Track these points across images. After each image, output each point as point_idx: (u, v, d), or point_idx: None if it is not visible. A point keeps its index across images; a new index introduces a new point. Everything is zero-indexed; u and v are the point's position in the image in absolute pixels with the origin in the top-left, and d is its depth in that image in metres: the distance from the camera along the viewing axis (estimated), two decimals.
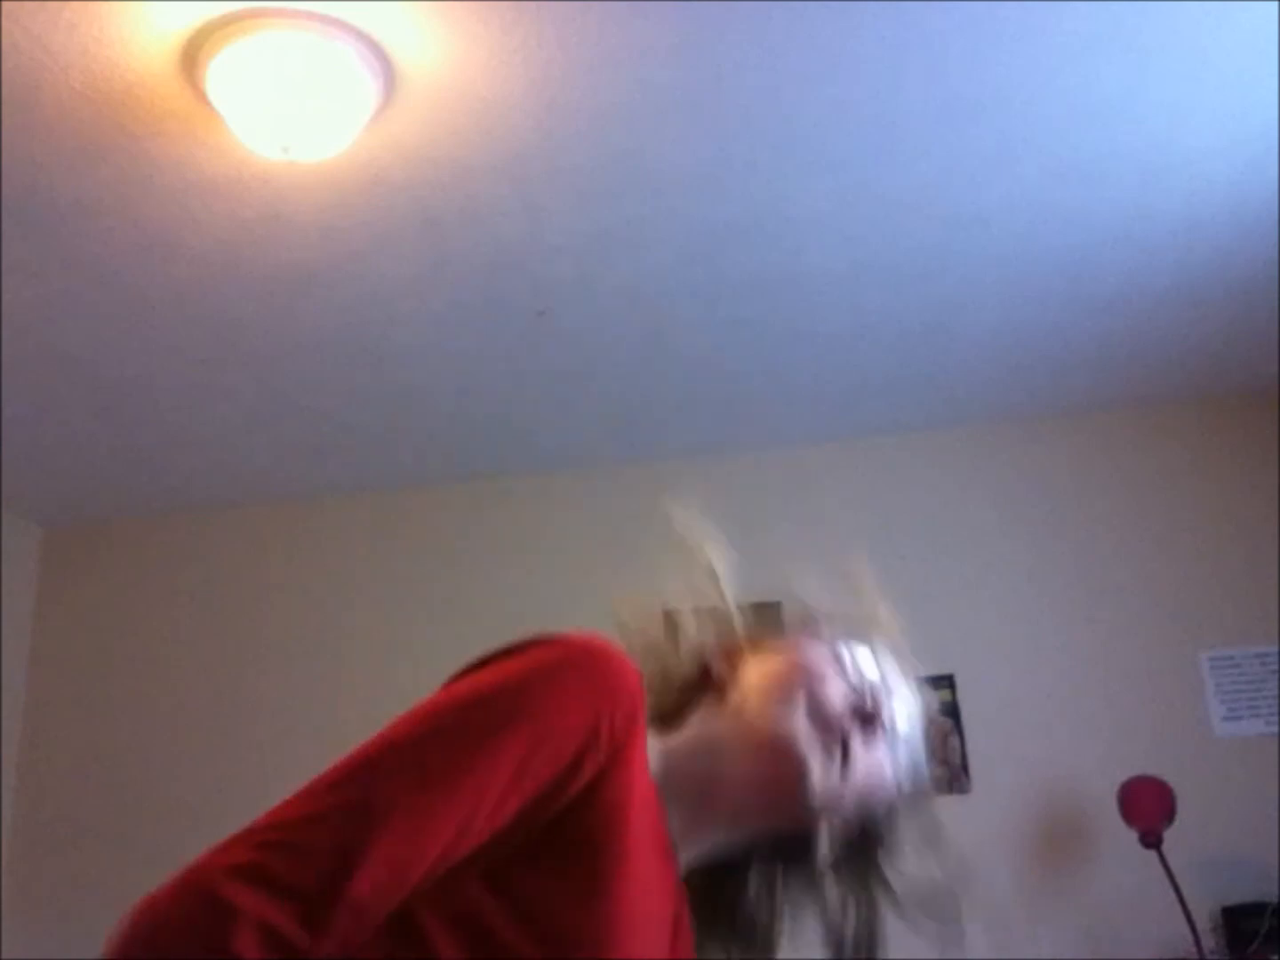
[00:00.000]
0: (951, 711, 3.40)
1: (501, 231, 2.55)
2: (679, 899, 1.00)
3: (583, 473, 3.84)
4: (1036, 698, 3.41)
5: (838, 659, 1.05)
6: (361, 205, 2.43)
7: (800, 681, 1.02)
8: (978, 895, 1.12)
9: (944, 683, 3.42)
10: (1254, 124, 2.33)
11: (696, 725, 1.05)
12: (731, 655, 1.09)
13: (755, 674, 1.05)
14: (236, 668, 3.82)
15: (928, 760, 1.09)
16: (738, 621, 1.11)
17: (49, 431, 3.38)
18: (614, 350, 3.14)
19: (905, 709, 1.07)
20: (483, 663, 0.90)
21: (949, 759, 3.36)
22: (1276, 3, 1.98)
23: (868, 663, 1.06)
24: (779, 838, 1.05)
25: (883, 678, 1.06)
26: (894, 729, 1.04)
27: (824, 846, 1.04)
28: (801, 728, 0.99)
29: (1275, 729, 3.30)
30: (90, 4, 1.86)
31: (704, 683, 1.08)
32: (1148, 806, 3.02)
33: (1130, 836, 3.02)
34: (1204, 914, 3.04)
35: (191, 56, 1.98)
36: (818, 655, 1.05)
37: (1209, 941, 2.99)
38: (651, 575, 3.82)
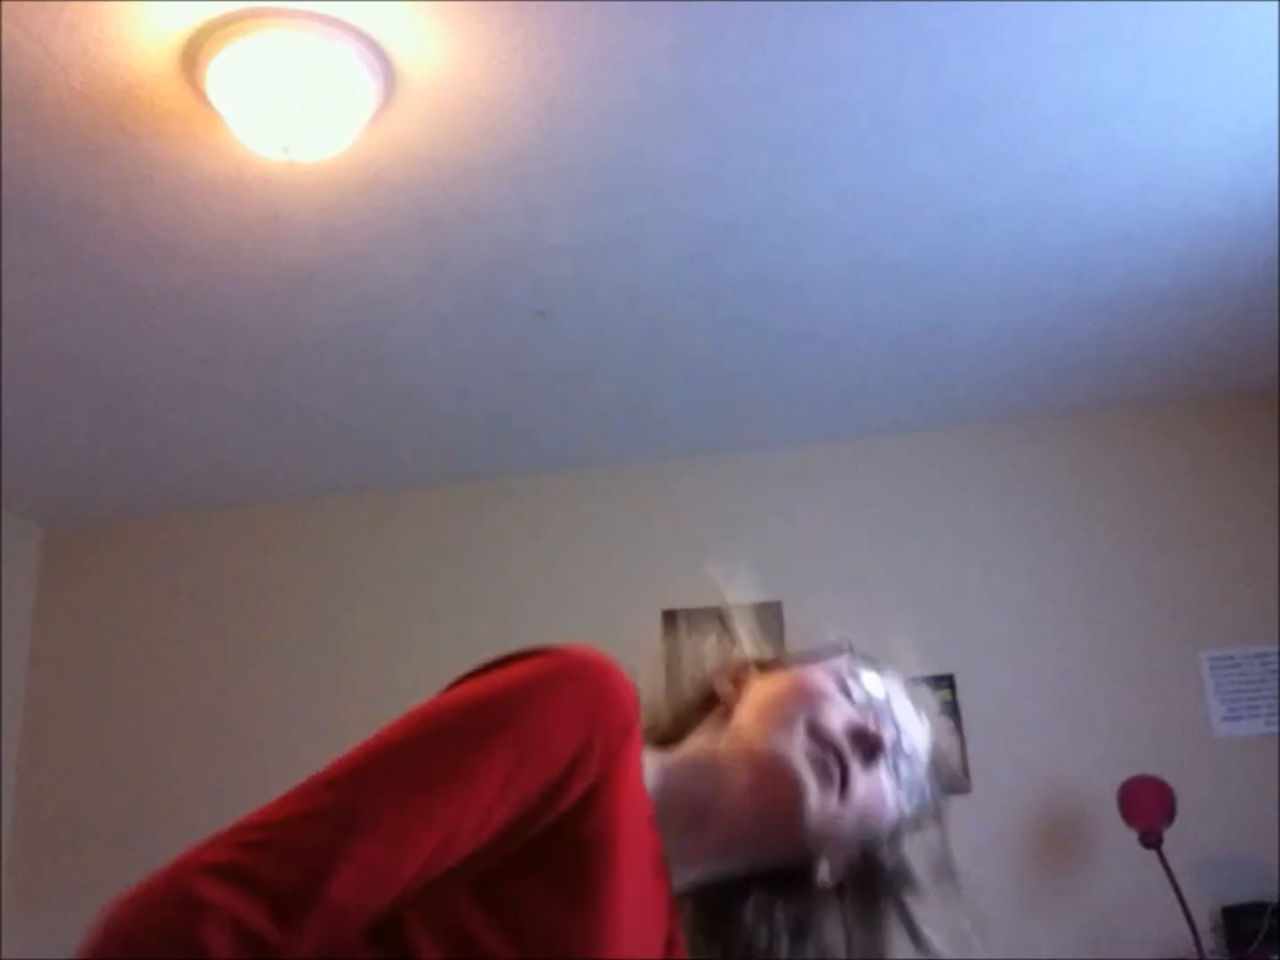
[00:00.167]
0: (951, 711, 3.40)
1: (501, 231, 2.55)
2: (672, 920, 0.98)
3: (583, 473, 3.84)
4: (1036, 698, 3.41)
5: (842, 682, 1.04)
6: (361, 205, 2.43)
7: (802, 703, 1.01)
8: (977, 896, 1.10)
9: (944, 683, 3.42)
10: (1254, 124, 2.33)
11: (696, 744, 1.04)
12: (737, 676, 1.08)
13: (758, 695, 1.04)
14: (236, 667, 3.82)
15: (937, 790, 1.08)
16: (749, 647, 1.10)
17: (49, 431, 3.38)
18: (614, 350, 3.14)
19: (911, 728, 1.05)
20: (479, 671, 0.90)
21: (949, 759, 3.36)
22: (1276, 3, 1.98)
23: (875, 687, 1.05)
24: (777, 863, 1.03)
25: (889, 703, 1.04)
26: (899, 756, 1.03)
27: (823, 875, 1.02)
28: (799, 749, 0.98)
29: (1275, 729, 3.30)
30: (90, 4, 1.86)
31: (708, 703, 1.07)
32: (1148, 806, 3.02)
33: (1130, 836, 3.02)
34: (1204, 914, 3.04)
35: (191, 56, 1.98)
36: (822, 678, 1.04)
37: (1209, 941, 2.99)
38: (651, 575, 3.84)
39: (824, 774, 0.98)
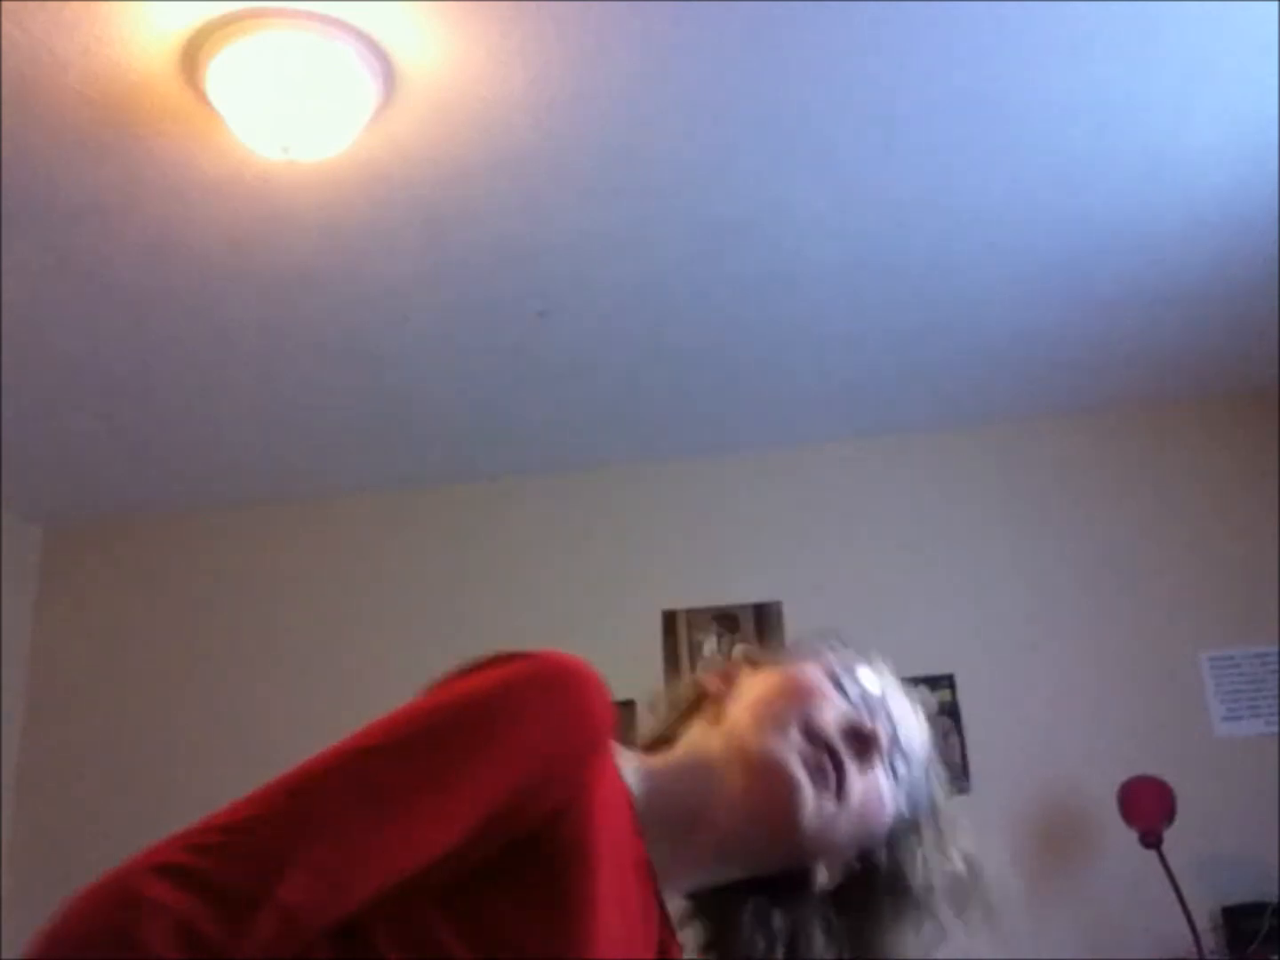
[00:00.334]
0: (951, 711, 3.40)
1: (502, 231, 2.55)
2: (664, 931, 0.96)
3: (582, 473, 3.84)
4: (1036, 698, 3.41)
5: (836, 678, 1.01)
6: (361, 205, 2.43)
7: (795, 701, 0.99)
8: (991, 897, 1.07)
9: (944, 683, 3.41)
10: (1254, 124, 2.33)
11: (687, 747, 1.02)
12: (727, 674, 1.05)
13: (750, 694, 1.02)
14: (237, 668, 3.82)
15: (936, 788, 1.05)
16: (743, 650, 1.10)
17: (49, 431, 3.38)
18: (614, 350, 3.14)
19: (907, 725, 1.03)
20: (451, 676, 0.88)
21: (949, 759, 3.35)
22: (1276, 3, 1.98)
23: (869, 683, 1.02)
24: (774, 868, 1.01)
25: (884, 699, 1.02)
26: (895, 753, 1.00)
27: (821, 880, 1.00)
28: (793, 749, 0.96)
29: (1275, 729, 3.30)
30: (90, 4, 1.86)
31: (699, 703, 1.05)
32: (1148, 806, 3.02)
33: (1130, 836, 3.02)
34: (1204, 914, 3.04)
35: (191, 56, 1.98)
36: (815, 674, 1.02)
37: (1209, 941, 2.99)
38: (651, 575, 3.84)
39: (819, 774, 0.95)
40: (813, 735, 0.97)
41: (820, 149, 2.34)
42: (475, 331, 2.99)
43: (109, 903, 0.71)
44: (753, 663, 1.07)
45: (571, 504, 3.84)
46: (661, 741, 1.04)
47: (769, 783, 0.95)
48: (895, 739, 1.01)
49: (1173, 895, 2.93)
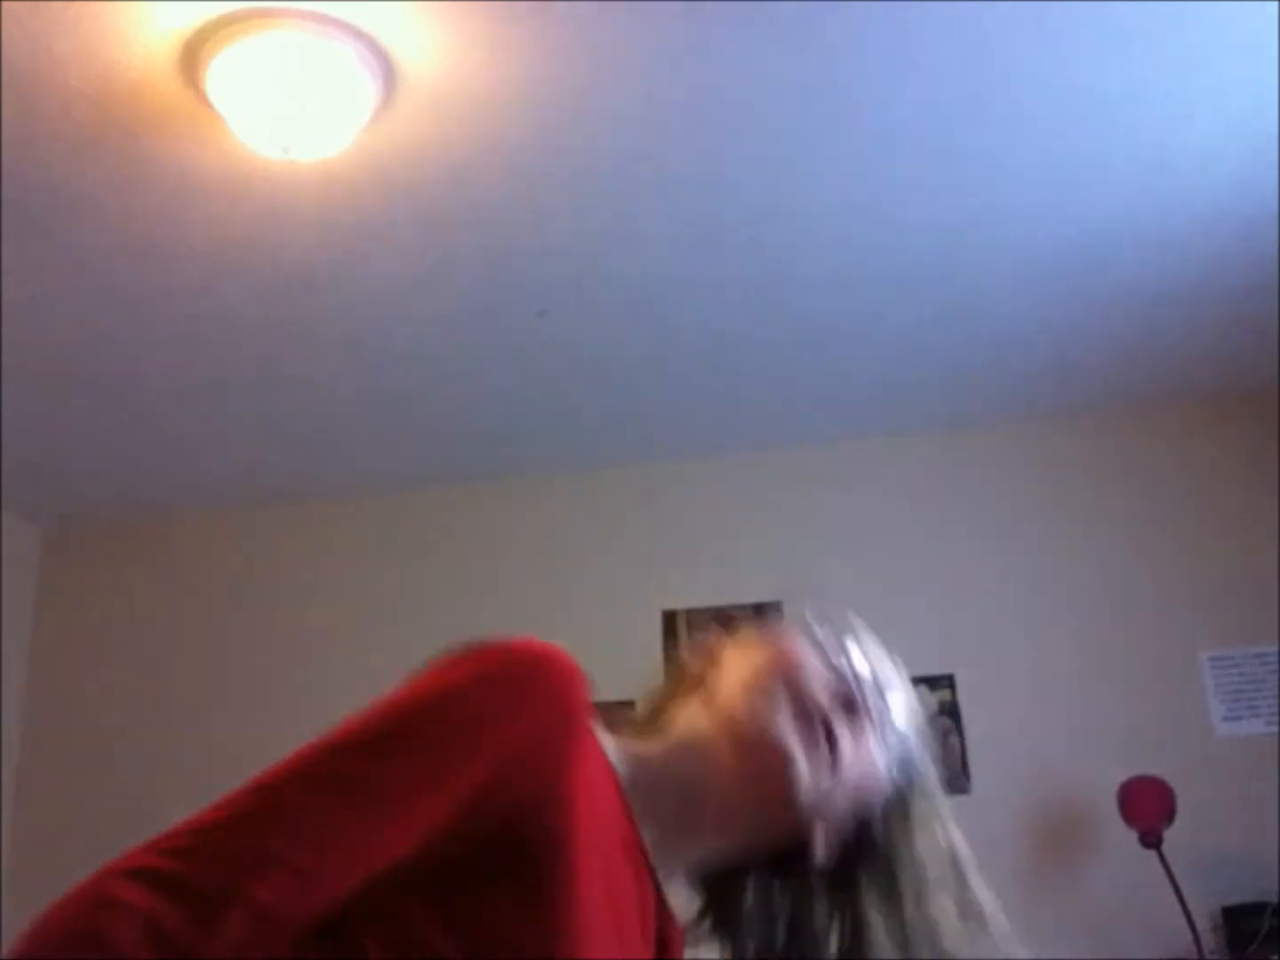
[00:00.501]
0: (951, 711, 3.40)
1: (502, 231, 2.55)
2: (663, 916, 0.96)
3: (583, 473, 3.84)
4: (1036, 698, 3.41)
5: (821, 650, 1.01)
6: (361, 205, 2.43)
7: (781, 671, 0.99)
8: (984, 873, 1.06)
9: (944, 683, 3.42)
10: (1254, 124, 2.33)
11: (675, 727, 1.01)
12: (712, 652, 1.05)
13: (736, 670, 1.01)
14: (236, 668, 3.82)
15: (927, 757, 1.04)
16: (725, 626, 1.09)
17: (49, 431, 3.38)
18: (614, 350, 3.14)
19: (895, 697, 1.02)
20: (427, 668, 0.88)
21: (949, 759, 3.35)
22: (1276, 3, 1.98)
23: (854, 653, 1.02)
24: (772, 844, 1.00)
25: (870, 669, 1.02)
26: (884, 717, 1.00)
27: (820, 851, 0.99)
28: (784, 717, 0.96)
29: (1275, 729, 3.30)
30: (90, 4, 1.86)
31: (685, 684, 1.05)
32: (1148, 806, 3.02)
33: (1130, 836, 3.02)
34: (1204, 914, 3.04)
35: (192, 56, 1.98)
36: (799, 644, 1.02)
37: (1209, 941, 2.99)
38: (651, 575, 3.85)
39: (811, 742, 0.95)
40: (802, 706, 0.97)
41: (820, 149, 2.34)
42: (475, 331, 2.99)
43: (83, 906, 0.73)
44: (737, 640, 1.06)
45: (571, 504, 3.84)
46: (651, 725, 1.03)
47: (762, 756, 0.95)
48: (884, 708, 1.01)
49: (1173, 895, 2.93)
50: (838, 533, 3.64)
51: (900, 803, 1.02)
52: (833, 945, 1.01)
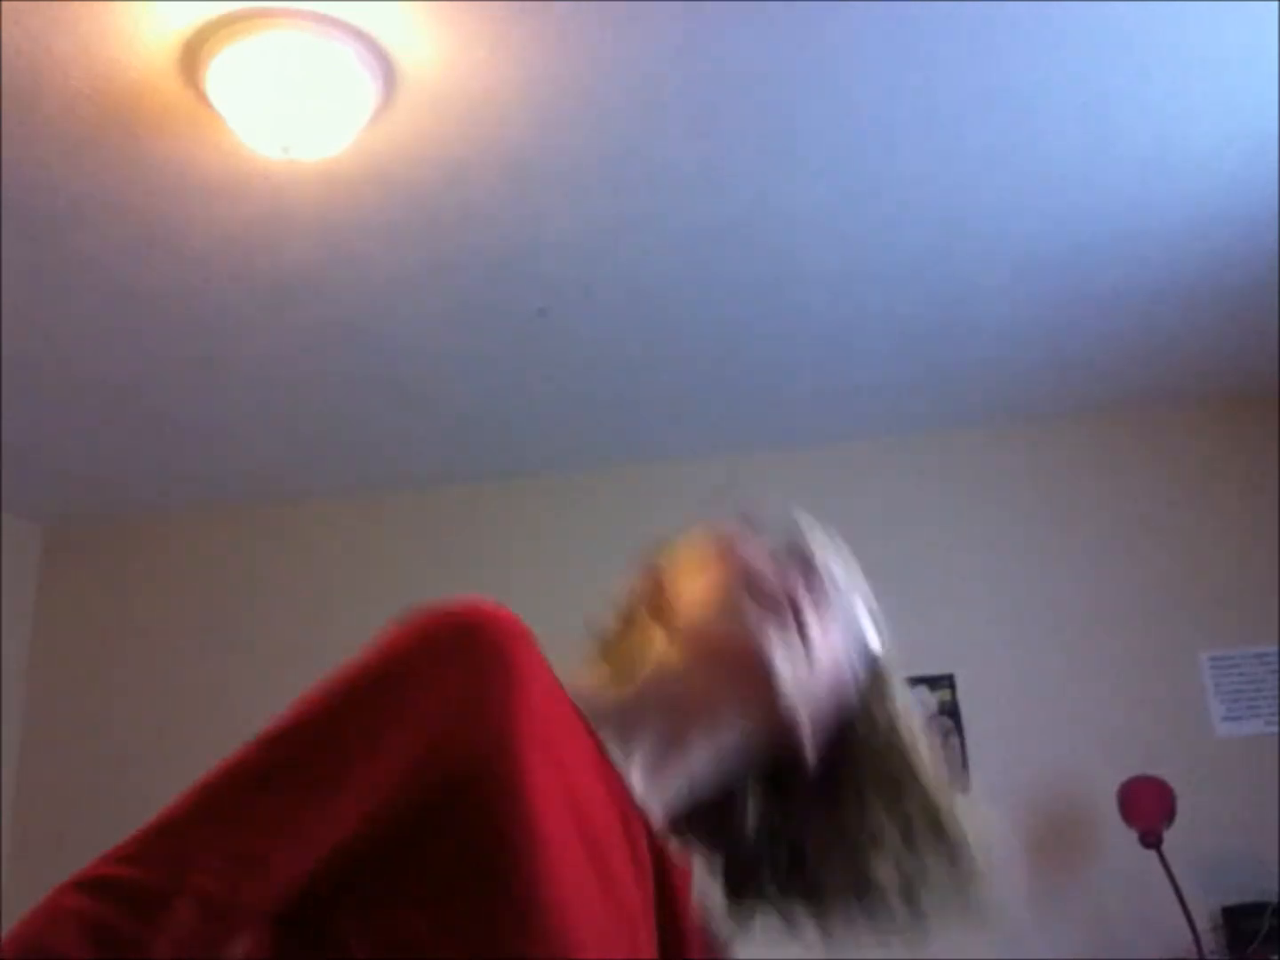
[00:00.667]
0: (951, 711, 3.41)
1: (502, 230, 2.55)
2: (659, 852, 0.95)
3: (583, 473, 3.84)
4: (1036, 698, 3.41)
5: (766, 545, 1.03)
6: (362, 204, 2.43)
7: (735, 576, 1.00)
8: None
9: (944, 683, 3.42)
10: (1254, 124, 2.33)
11: (644, 663, 1.00)
12: (657, 581, 1.06)
13: (689, 590, 1.02)
14: (236, 667, 3.82)
15: (888, 639, 1.05)
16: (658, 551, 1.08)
17: (49, 431, 3.38)
18: (614, 350, 3.14)
19: (841, 567, 1.04)
20: (369, 641, 0.88)
21: (949, 759, 3.36)
22: (1276, 2, 1.98)
23: (791, 531, 1.04)
24: (763, 755, 1.00)
25: (815, 547, 1.03)
26: (840, 596, 1.01)
27: (809, 748, 0.99)
28: (752, 617, 0.96)
29: (1275, 729, 3.30)
30: (90, 4, 1.86)
31: (636, 621, 1.05)
32: (1148, 806, 3.02)
33: (1130, 836, 3.02)
34: (1204, 914, 3.04)
35: (192, 56, 1.98)
36: (739, 544, 1.03)
37: (1209, 941, 2.99)
38: None
39: (780, 627, 0.96)
40: (766, 601, 0.97)
41: (819, 149, 2.34)
42: (475, 331, 2.99)
43: (35, 921, 0.75)
44: (680, 564, 1.06)
45: (571, 504, 3.84)
46: (617, 668, 1.03)
47: (739, 660, 0.96)
48: (837, 586, 1.02)
49: (1173, 895, 2.93)
50: (837, 533, 3.64)
51: (875, 678, 1.03)
52: (840, 855, 1.00)
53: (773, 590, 0.98)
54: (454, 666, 0.83)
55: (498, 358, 3.13)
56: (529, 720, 0.84)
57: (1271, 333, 3.20)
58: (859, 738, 1.02)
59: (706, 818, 1.02)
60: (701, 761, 0.99)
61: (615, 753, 0.95)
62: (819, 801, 1.01)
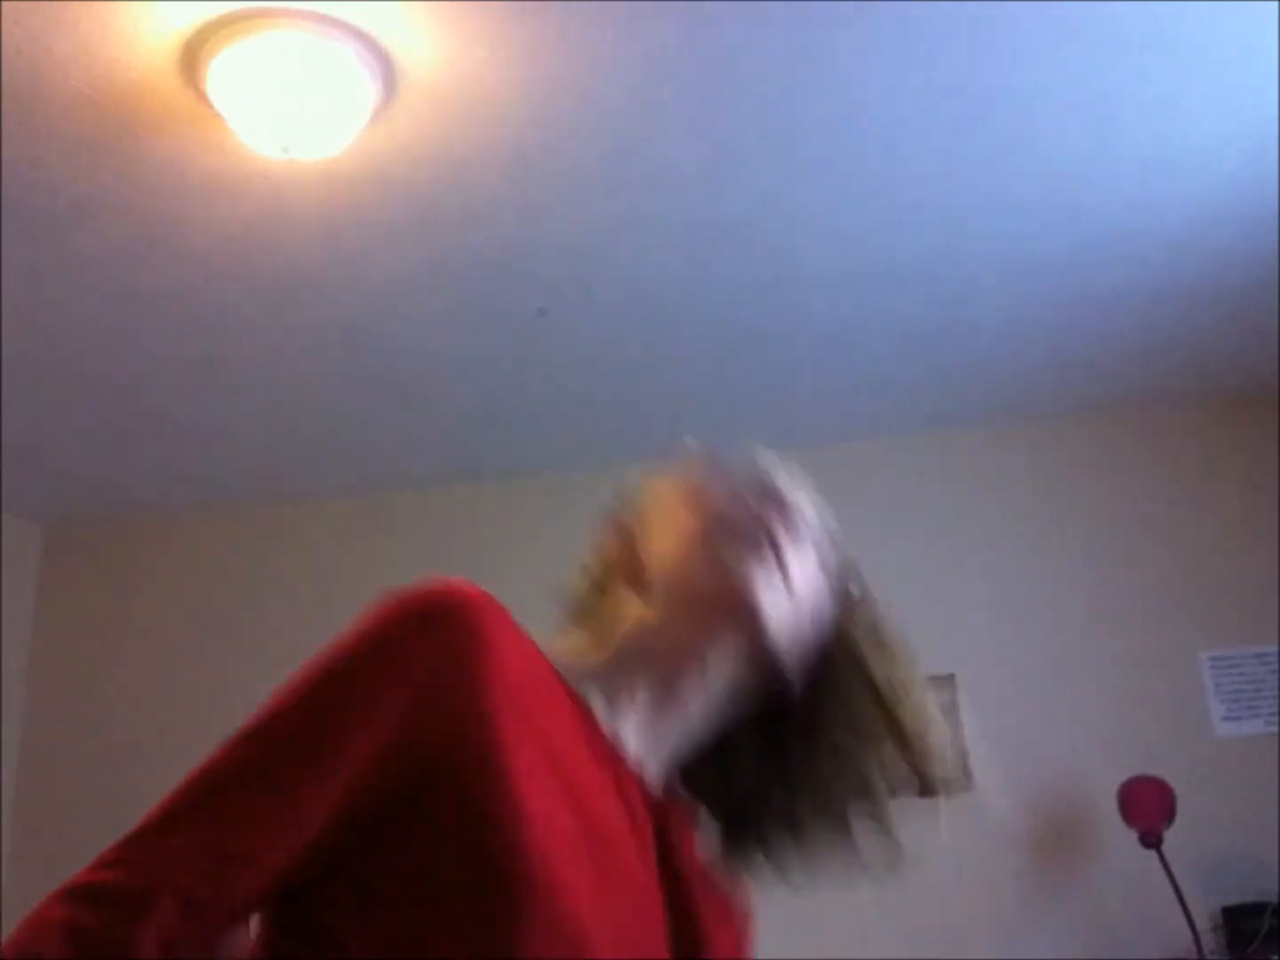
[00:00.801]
0: (951, 711, 3.40)
1: (501, 230, 2.55)
2: (658, 808, 0.95)
3: (583, 473, 3.84)
4: (1036, 697, 3.41)
5: (723, 480, 1.03)
6: (362, 204, 2.43)
7: (704, 519, 1.00)
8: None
9: (944, 683, 3.41)
10: (1254, 124, 2.33)
11: (623, 621, 1.00)
12: (626, 536, 1.05)
13: (660, 540, 1.02)
14: (236, 667, 3.82)
15: (855, 567, 1.07)
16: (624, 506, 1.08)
17: (49, 431, 3.38)
18: (614, 350, 3.14)
19: (808, 505, 1.04)
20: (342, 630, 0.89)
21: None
22: (1276, 2, 1.98)
23: (754, 469, 1.04)
24: (752, 696, 1.00)
25: (777, 482, 1.04)
26: (806, 518, 1.02)
27: (795, 678, 0.99)
28: (729, 556, 0.96)
29: (1275, 729, 3.30)
30: (90, 4, 1.86)
31: (609, 579, 1.05)
32: (1148, 806, 3.02)
33: (1130, 836, 3.02)
34: (1204, 914, 3.04)
35: (192, 56, 1.98)
36: (706, 488, 1.03)
37: (1209, 941, 2.99)
38: None
39: (760, 560, 0.96)
40: (742, 539, 0.97)
41: (820, 149, 2.34)
42: (475, 331, 2.99)
43: (23, 931, 0.76)
44: (647, 516, 1.06)
45: (571, 504, 3.84)
46: (596, 631, 1.02)
47: (721, 601, 0.96)
48: (805, 518, 1.03)
49: (1173, 895, 2.93)
50: (838, 532, 3.64)
51: (848, 601, 1.05)
52: (841, 789, 1.01)
53: (748, 527, 0.98)
54: (424, 642, 0.84)
55: (498, 358, 3.13)
56: (503, 690, 0.84)
57: (1271, 333, 3.20)
58: (837, 661, 1.02)
59: (699, 768, 1.02)
60: (697, 709, 0.98)
61: (603, 714, 0.95)
62: (806, 731, 1.02)
